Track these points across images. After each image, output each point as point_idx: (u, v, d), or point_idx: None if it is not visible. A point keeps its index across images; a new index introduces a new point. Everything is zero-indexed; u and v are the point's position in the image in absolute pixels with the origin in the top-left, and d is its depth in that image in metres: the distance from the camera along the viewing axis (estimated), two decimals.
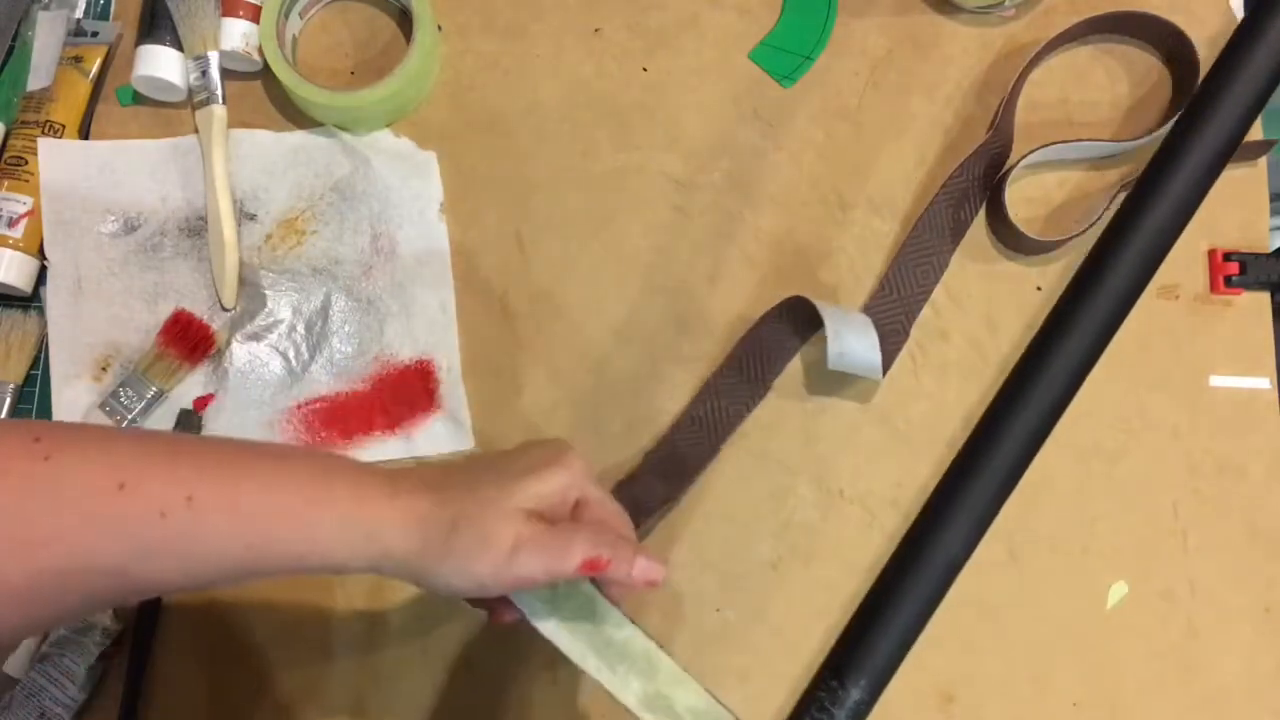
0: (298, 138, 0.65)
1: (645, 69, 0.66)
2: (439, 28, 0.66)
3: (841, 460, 0.61)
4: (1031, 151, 0.63)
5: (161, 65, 0.63)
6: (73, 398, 0.61)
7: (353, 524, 0.40)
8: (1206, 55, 0.66)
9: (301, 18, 0.66)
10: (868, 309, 0.62)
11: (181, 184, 0.64)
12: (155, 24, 0.64)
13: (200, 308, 0.62)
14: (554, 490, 0.44)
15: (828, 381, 0.62)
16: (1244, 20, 0.43)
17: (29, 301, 0.63)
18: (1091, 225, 0.62)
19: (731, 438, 0.61)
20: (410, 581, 0.42)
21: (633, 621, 0.45)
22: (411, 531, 0.41)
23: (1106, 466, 0.62)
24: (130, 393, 0.60)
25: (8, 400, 0.60)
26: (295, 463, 0.42)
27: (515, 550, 0.41)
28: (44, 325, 0.62)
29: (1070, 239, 0.63)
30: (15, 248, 0.62)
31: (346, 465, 0.43)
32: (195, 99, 0.64)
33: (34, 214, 0.62)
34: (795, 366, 0.62)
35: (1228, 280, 0.63)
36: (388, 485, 0.42)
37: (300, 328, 0.62)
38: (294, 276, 0.62)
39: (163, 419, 0.61)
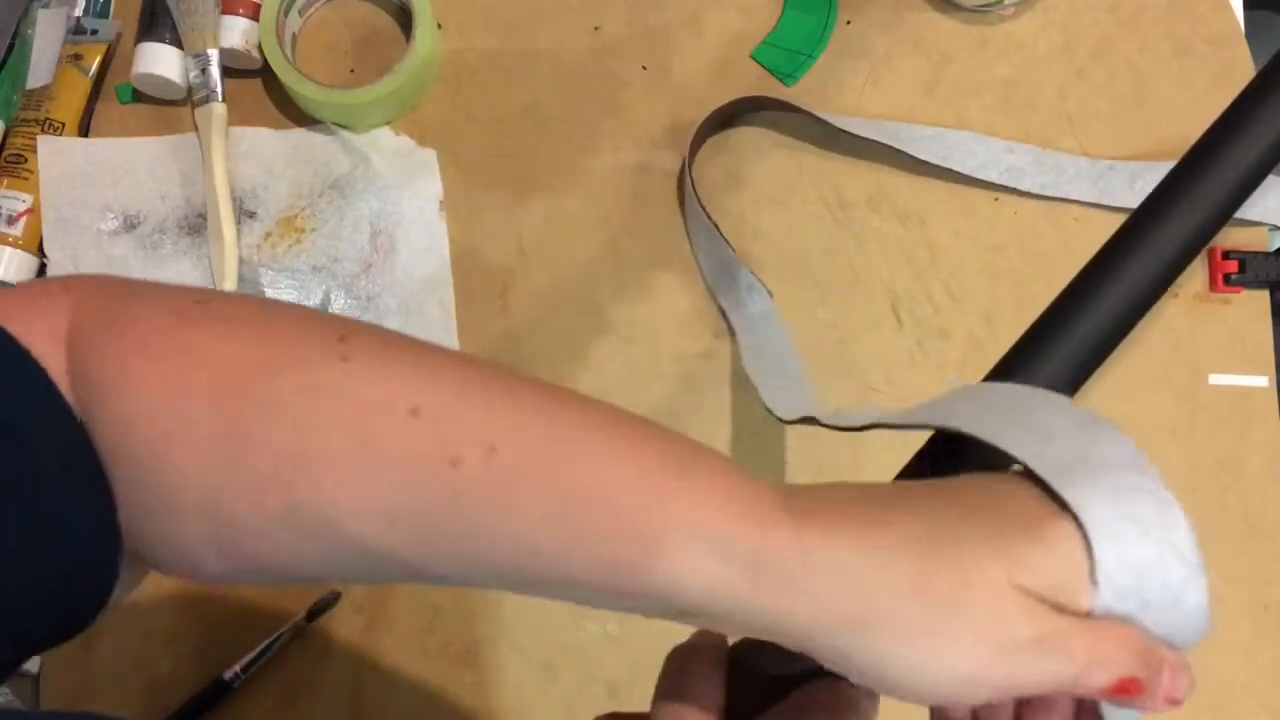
0: (297, 135, 0.65)
1: (645, 67, 0.66)
2: (438, 25, 0.66)
3: (842, 459, 0.61)
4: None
5: (161, 63, 0.63)
6: None
7: (727, 535, 0.28)
8: (1208, 53, 0.66)
9: (301, 15, 0.66)
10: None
11: (181, 182, 0.64)
12: (155, 22, 0.64)
13: None
14: (1063, 567, 0.28)
15: (827, 380, 0.62)
16: None
17: None
18: None
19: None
20: (810, 652, 0.28)
21: None
22: (855, 575, 0.27)
23: None
24: None
25: None
26: (650, 433, 0.30)
27: (1024, 647, 0.27)
28: None
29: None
30: (15, 245, 0.62)
31: (718, 455, 0.30)
32: (195, 97, 0.64)
33: (33, 212, 0.62)
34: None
35: (1227, 278, 0.63)
36: (783, 496, 0.29)
37: None
38: (293, 274, 0.63)
39: None
